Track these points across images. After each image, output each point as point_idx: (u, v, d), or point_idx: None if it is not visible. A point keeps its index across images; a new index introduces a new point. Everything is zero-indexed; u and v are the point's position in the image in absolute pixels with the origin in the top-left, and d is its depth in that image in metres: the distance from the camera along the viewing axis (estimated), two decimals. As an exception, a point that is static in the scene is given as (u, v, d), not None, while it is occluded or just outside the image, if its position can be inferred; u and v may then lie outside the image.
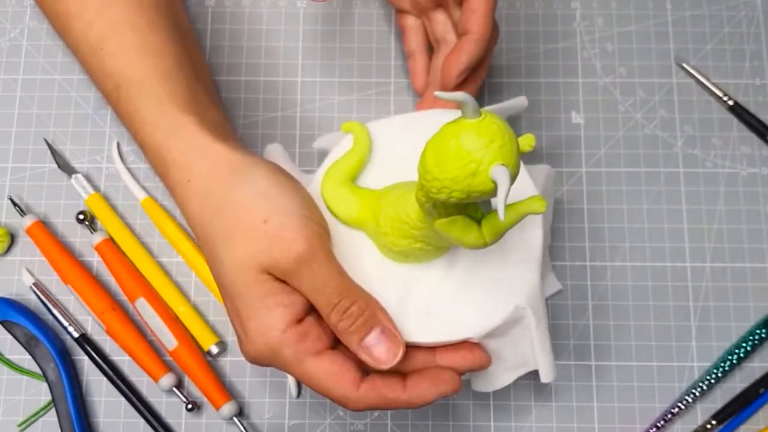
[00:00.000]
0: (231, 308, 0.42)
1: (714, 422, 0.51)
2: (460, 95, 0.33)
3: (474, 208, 0.39)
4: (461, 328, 0.43)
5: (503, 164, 0.33)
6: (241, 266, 0.40)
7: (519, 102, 0.51)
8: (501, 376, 0.46)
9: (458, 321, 0.43)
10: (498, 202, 0.33)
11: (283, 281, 0.41)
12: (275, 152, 0.49)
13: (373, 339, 0.40)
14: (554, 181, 0.53)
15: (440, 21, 0.51)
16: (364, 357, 0.40)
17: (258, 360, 0.42)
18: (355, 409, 0.41)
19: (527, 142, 0.41)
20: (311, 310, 0.41)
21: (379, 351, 0.40)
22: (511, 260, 0.44)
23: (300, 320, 0.41)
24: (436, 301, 0.43)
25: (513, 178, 0.34)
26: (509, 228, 0.38)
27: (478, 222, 0.38)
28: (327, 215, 0.45)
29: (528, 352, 0.45)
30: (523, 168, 0.45)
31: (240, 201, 0.41)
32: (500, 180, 0.33)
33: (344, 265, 0.42)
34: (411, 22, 0.54)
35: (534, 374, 0.45)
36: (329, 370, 0.40)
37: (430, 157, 0.35)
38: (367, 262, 0.44)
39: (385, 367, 0.40)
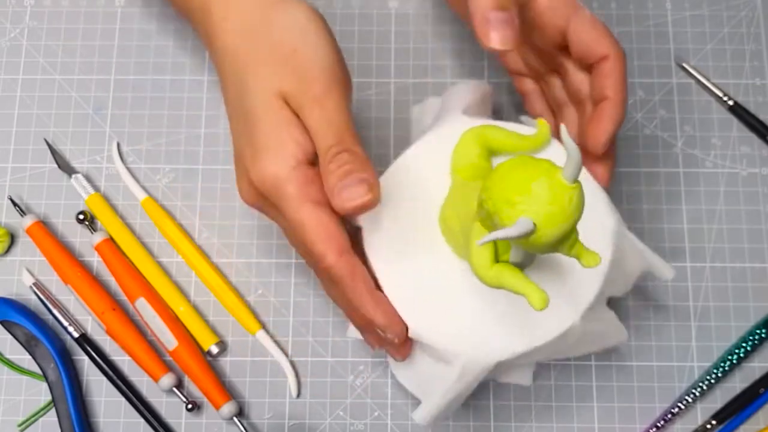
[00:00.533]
0: (246, 137, 0.42)
1: (714, 422, 0.51)
2: (574, 150, 0.33)
3: (506, 246, 0.38)
4: (444, 336, 0.43)
5: (534, 223, 0.33)
6: (265, 90, 0.41)
7: (663, 271, 0.47)
8: (402, 373, 0.46)
9: (449, 331, 0.43)
10: (488, 235, 0.34)
11: (296, 115, 0.41)
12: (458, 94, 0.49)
13: (351, 181, 0.40)
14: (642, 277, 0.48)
15: (557, 85, 0.50)
16: (336, 199, 0.40)
17: (260, 191, 0.42)
18: (323, 272, 0.41)
19: (590, 259, 0.37)
20: (317, 161, 0.42)
21: (350, 192, 0.40)
22: (534, 323, 0.43)
23: (310, 164, 0.41)
24: (445, 298, 0.43)
25: (532, 245, 0.34)
26: (505, 288, 0.37)
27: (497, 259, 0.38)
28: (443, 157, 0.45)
29: (429, 387, 0.44)
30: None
31: (277, 28, 0.42)
32: (515, 226, 0.33)
33: (406, 191, 0.43)
34: (530, 86, 0.53)
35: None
36: (324, 223, 0.40)
37: (507, 167, 0.35)
38: (424, 213, 0.44)
39: (349, 205, 0.40)
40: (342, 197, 0.40)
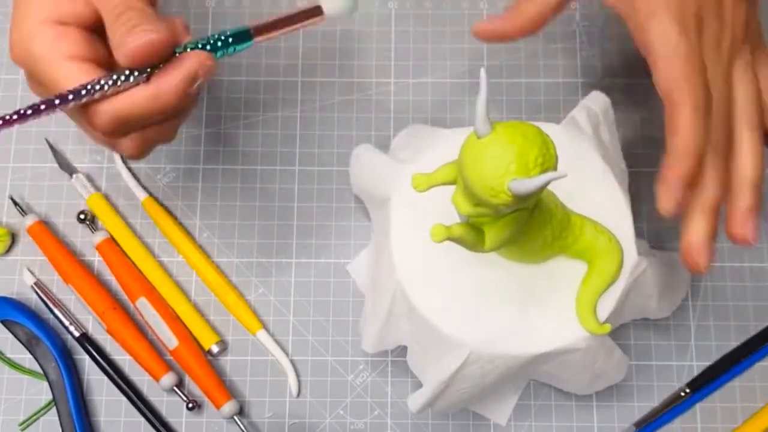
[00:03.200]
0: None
1: (688, 390, 0.51)
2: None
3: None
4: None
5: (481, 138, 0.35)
6: None
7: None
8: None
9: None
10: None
11: None
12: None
13: (137, 32, 0.37)
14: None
15: None
16: (121, 49, 0.37)
17: (16, 56, 0.39)
18: (97, 125, 0.39)
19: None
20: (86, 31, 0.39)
21: (137, 40, 0.37)
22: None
23: (65, 24, 0.38)
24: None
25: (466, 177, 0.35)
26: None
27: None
28: None
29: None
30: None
31: None
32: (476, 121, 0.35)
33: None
34: None
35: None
36: (85, 71, 0.38)
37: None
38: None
39: (132, 45, 0.37)
40: (126, 43, 0.37)
